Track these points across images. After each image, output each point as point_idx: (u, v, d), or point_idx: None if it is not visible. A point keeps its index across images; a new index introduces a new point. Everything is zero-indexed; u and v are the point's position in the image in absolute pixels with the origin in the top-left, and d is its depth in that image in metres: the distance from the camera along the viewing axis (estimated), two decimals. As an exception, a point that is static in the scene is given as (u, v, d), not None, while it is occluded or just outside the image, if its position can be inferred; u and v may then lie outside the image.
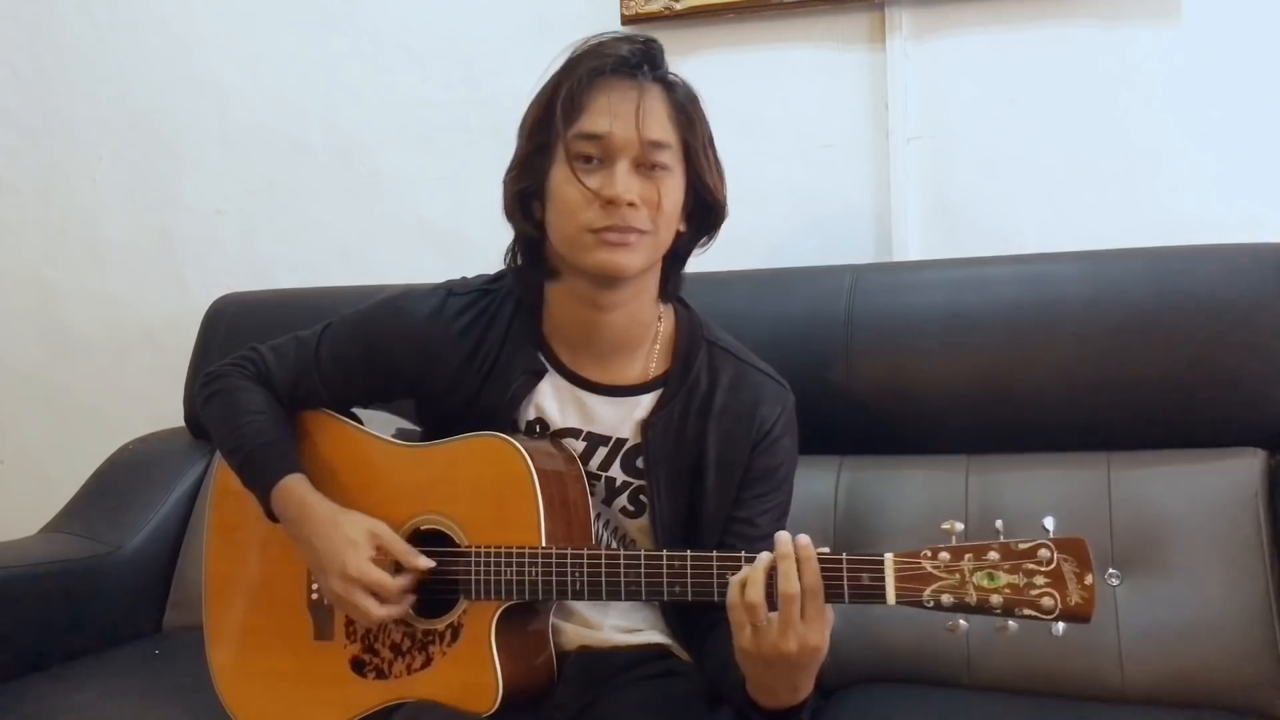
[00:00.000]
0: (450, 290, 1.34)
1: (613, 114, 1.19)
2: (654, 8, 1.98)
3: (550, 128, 1.22)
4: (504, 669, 1.20)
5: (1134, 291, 1.57)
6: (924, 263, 1.86)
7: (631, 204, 1.18)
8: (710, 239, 1.33)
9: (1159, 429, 1.54)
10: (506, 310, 1.32)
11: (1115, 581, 1.48)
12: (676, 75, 1.26)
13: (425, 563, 1.23)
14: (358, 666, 1.29)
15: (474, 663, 1.21)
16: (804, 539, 1.07)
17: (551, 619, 1.29)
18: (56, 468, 2.35)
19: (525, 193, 1.26)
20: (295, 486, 1.29)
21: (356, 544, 1.23)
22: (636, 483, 1.30)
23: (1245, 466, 1.49)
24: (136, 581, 1.88)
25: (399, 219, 2.24)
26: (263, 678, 1.37)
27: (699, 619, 1.30)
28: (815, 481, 1.61)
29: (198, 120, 2.34)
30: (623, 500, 1.31)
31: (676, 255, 1.31)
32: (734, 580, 1.08)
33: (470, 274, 1.39)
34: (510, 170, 1.28)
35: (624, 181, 1.19)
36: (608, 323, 1.27)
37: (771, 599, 1.06)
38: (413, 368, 1.33)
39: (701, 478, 1.28)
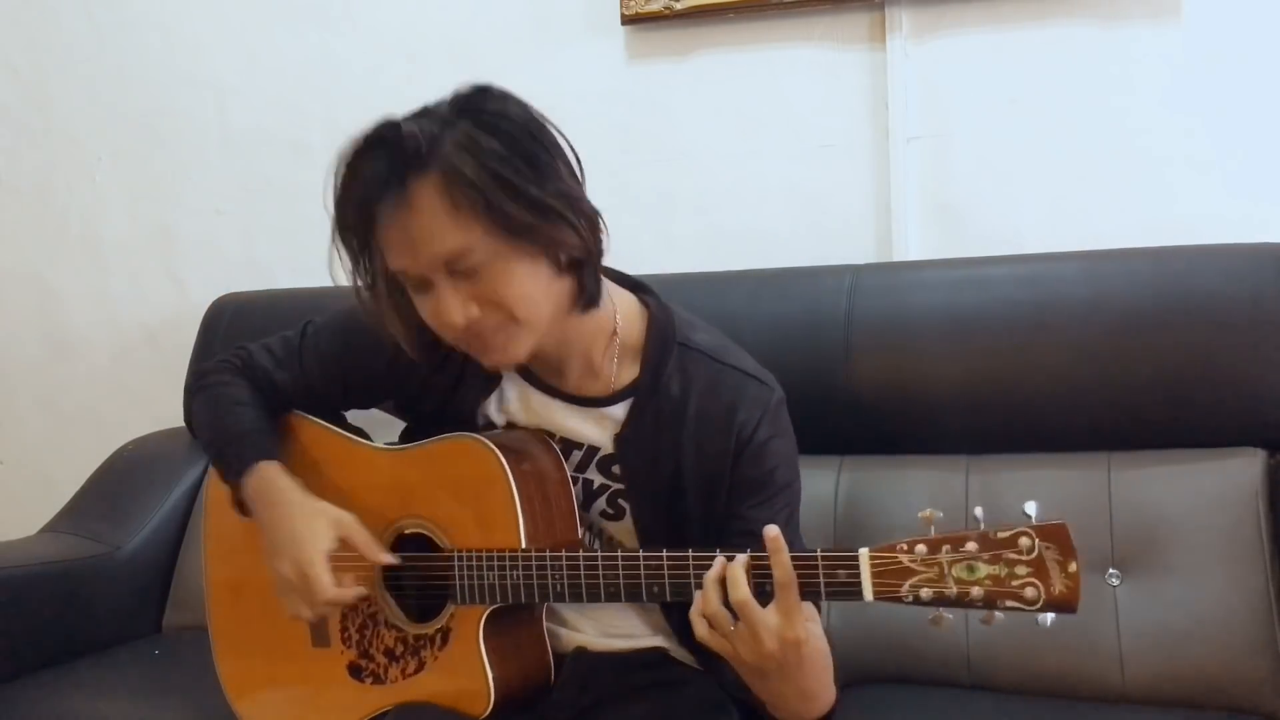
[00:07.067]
0: None
1: (397, 247, 1.09)
2: (654, 8, 1.98)
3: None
4: (495, 672, 1.18)
5: (1134, 291, 1.57)
6: (924, 263, 1.85)
7: (467, 322, 1.11)
8: (603, 240, 1.16)
9: (1159, 429, 1.54)
10: None
11: (1115, 581, 1.48)
12: (461, 132, 1.09)
13: (387, 559, 1.22)
14: (355, 672, 1.28)
15: (465, 667, 1.20)
16: (775, 530, 1.03)
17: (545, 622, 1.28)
18: (56, 468, 2.35)
19: (374, 313, 1.19)
20: (269, 470, 1.27)
21: (318, 534, 1.20)
22: (615, 486, 1.27)
23: (1245, 466, 1.49)
24: (136, 581, 1.88)
25: (399, 219, 2.22)
26: (267, 686, 1.36)
27: None
28: (815, 481, 1.60)
29: (197, 120, 2.34)
30: (601, 504, 1.28)
31: (581, 263, 1.16)
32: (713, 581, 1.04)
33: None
34: (351, 275, 1.18)
35: (447, 304, 1.10)
36: (538, 353, 1.21)
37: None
38: (391, 368, 1.30)
39: (682, 490, 1.23)
